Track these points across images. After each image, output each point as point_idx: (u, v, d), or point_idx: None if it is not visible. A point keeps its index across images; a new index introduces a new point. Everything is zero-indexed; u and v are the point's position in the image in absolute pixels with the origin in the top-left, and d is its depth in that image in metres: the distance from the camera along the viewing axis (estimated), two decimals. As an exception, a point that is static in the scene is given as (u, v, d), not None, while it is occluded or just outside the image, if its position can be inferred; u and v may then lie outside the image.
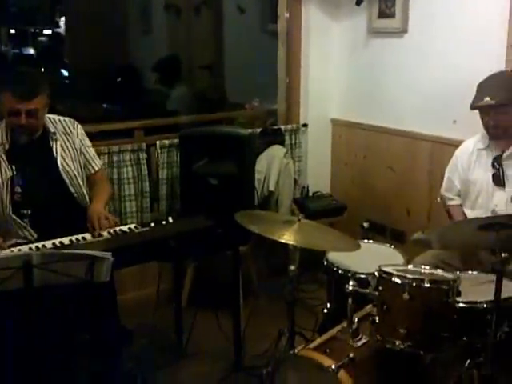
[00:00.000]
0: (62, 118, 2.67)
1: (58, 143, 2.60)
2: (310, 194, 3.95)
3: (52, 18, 7.31)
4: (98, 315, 2.48)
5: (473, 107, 2.56)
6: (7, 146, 2.49)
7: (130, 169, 3.33)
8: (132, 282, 3.31)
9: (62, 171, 2.57)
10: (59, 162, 2.57)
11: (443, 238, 2.13)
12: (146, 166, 3.39)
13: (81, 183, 2.62)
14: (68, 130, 2.65)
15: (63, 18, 6.90)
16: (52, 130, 2.59)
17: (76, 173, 2.61)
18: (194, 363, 2.86)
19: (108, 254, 1.93)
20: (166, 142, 3.43)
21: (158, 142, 3.40)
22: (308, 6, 3.77)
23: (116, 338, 2.59)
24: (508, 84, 2.58)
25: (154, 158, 3.43)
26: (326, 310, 2.56)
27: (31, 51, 7.35)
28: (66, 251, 1.97)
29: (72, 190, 2.59)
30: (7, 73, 2.59)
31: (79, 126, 2.70)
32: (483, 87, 2.56)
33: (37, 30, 7.49)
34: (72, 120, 2.70)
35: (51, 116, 2.62)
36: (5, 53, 6.84)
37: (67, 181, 2.58)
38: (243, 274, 3.11)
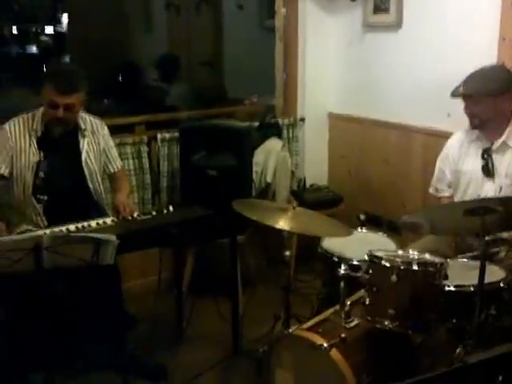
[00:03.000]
0: (92, 117, 2.81)
1: (86, 140, 2.74)
2: (307, 186, 4.03)
3: (54, 16, 7.39)
4: (103, 300, 2.58)
5: (451, 95, 2.65)
6: (39, 133, 2.63)
7: (131, 161, 3.41)
8: (135, 271, 3.39)
9: (84, 166, 2.72)
10: (83, 157, 2.72)
11: (431, 222, 2.20)
12: (147, 159, 3.47)
13: (100, 180, 2.78)
14: (95, 130, 2.79)
15: (65, 16, 6.98)
16: (83, 126, 2.73)
17: (97, 169, 2.76)
18: (193, 347, 2.95)
19: (113, 237, 2.03)
20: (167, 135, 3.51)
21: (158, 135, 3.48)
22: (304, 2, 3.84)
23: (120, 323, 2.70)
24: (486, 76, 2.62)
25: (154, 150, 3.51)
26: (320, 296, 2.66)
27: (34, 49, 7.42)
28: (73, 234, 2.07)
29: (90, 186, 2.74)
30: (50, 67, 2.71)
31: (106, 127, 2.85)
32: (466, 77, 2.63)
33: (39, 29, 7.57)
34: (101, 121, 2.84)
35: (82, 114, 2.75)
36: (8, 51, 6.92)
37: (87, 176, 2.72)
38: (241, 262, 3.20)
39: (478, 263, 2.09)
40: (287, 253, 2.38)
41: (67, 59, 6.67)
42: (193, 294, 3.21)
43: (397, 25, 3.52)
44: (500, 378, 1.63)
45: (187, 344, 2.98)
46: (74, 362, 2.65)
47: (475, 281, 2.08)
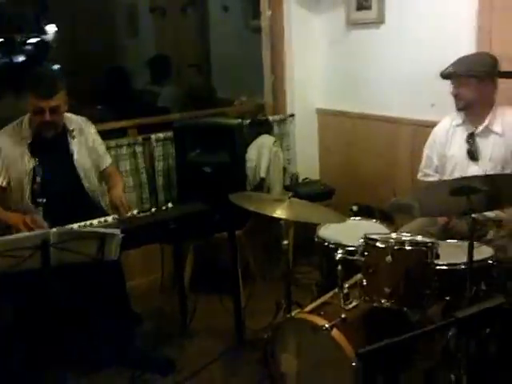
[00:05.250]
0: (77, 116, 2.86)
1: (76, 140, 2.79)
2: (300, 180, 4.11)
3: (39, 25, 7.42)
4: (109, 298, 2.65)
5: (440, 75, 2.75)
6: (30, 140, 2.68)
7: (127, 162, 3.48)
8: (138, 270, 3.46)
9: (77, 166, 2.77)
10: (75, 157, 2.78)
11: (420, 203, 2.27)
12: (142, 159, 3.53)
13: (94, 177, 2.83)
14: (83, 128, 2.84)
15: (51, 25, 7.03)
16: (71, 127, 2.79)
17: (89, 167, 2.81)
18: (199, 340, 3.02)
19: (117, 231, 2.10)
20: (161, 135, 3.57)
21: (153, 136, 3.55)
22: (289, 2, 3.92)
23: (127, 320, 2.77)
24: (474, 60, 2.72)
25: (149, 151, 3.57)
26: (319, 284, 2.75)
27: (21, 58, 7.45)
28: (80, 229, 2.13)
29: (86, 184, 2.79)
30: (29, 75, 2.77)
31: (92, 125, 2.90)
32: (455, 60, 2.73)
33: (24, 38, 7.59)
34: (86, 119, 2.89)
35: (68, 114, 2.80)
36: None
37: (81, 175, 2.78)
38: (241, 256, 3.27)
39: (467, 243, 2.16)
40: (285, 242, 2.47)
41: (56, 67, 6.71)
42: (195, 289, 3.28)
43: (379, 21, 3.62)
44: (487, 331, 1.71)
45: (192, 337, 3.04)
46: (85, 360, 2.71)
47: (465, 259, 2.16)
